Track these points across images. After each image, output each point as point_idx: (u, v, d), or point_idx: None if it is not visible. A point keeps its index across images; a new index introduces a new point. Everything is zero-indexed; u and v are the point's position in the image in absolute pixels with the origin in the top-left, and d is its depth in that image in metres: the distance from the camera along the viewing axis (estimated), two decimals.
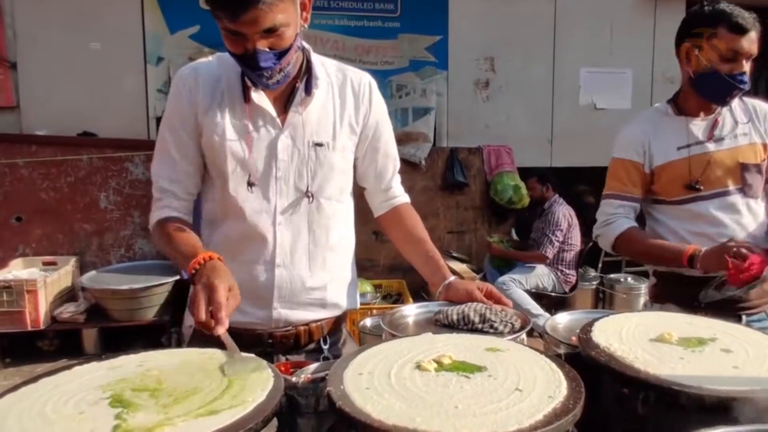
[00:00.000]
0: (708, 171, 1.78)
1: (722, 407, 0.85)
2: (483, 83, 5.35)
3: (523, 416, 0.75)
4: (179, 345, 4.09)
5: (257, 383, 0.78)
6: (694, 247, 1.65)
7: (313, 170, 1.37)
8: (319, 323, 1.41)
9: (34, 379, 0.78)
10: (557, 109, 5.48)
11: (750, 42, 1.68)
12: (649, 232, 1.90)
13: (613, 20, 5.46)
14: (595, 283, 4.74)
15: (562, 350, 1.23)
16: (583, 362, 1.01)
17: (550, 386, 0.84)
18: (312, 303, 1.40)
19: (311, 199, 1.37)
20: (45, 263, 4.44)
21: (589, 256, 4.92)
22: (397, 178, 1.58)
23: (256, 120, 1.33)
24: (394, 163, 1.56)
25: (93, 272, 4.44)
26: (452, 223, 5.30)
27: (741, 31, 1.66)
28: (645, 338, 1.08)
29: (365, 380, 0.83)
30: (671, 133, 1.83)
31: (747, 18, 1.67)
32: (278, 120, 1.34)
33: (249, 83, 1.31)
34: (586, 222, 5.12)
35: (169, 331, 4.25)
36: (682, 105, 1.86)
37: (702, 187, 1.77)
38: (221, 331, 1.03)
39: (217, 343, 1.30)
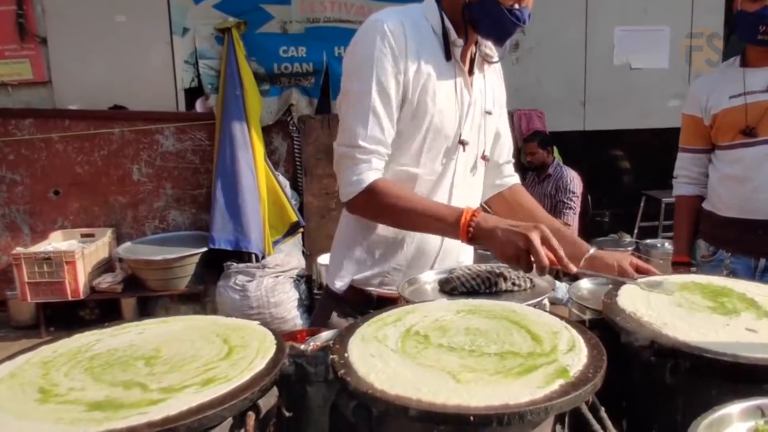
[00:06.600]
0: (765, 118, 1.87)
1: (758, 377, 0.79)
2: (512, 45, 5.16)
3: (537, 386, 0.70)
4: (214, 314, 4.22)
5: (258, 351, 0.76)
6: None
7: (485, 135, 1.41)
8: None
9: (34, 347, 0.78)
10: (590, 71, 5.27)
11: None
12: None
13: None
14: (630, 249, 4.60)
15: (587, 316, 1.18)
16: (608, 329, 0.96)
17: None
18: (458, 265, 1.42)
19: (486, 162, 1.41)
20: (83, 235, 4.57)
21: (625, 221, 4.77)
22: (512, 160, 1.60)
23: (457, 81, 1.33)
24: (509, 144, 1.57)
25: (128, 243, 4.55)
26: None
27: None
28: (675, 303, 1.02)
29: (372, 348, 0.80)
30: (727, 84, 1.96)
31: None
32: (469, 81, 1.35)
33: (456, 42, 1.29)
34: (623, 188, 4.97)
35: (203, 300, 4.34)
36: (747, 55, 1.95)
37: (758, 133, 1.88)
38: (575, 268, 1.15)
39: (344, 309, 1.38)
